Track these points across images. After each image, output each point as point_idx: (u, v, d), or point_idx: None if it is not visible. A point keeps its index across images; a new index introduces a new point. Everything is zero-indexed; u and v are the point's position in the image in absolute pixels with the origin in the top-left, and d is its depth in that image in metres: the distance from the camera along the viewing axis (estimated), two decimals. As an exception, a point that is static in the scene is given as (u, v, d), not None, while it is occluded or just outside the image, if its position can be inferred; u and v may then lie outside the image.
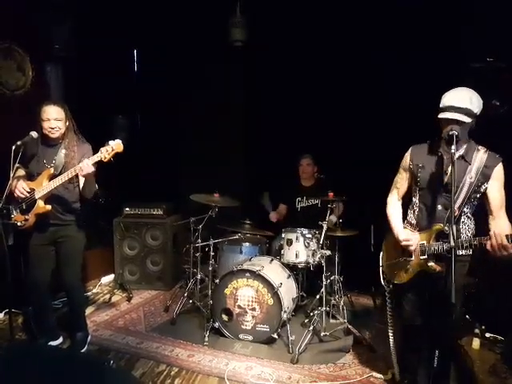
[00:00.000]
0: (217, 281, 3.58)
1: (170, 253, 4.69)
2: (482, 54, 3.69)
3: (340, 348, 3.34)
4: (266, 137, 5.09)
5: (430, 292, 2.38)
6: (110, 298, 4.33)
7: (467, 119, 2.14)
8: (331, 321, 3.78)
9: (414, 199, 2.46)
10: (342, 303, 3.81)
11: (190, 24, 5.08)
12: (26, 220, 2.92)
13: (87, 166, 2.73)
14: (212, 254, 3.81)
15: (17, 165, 2.79)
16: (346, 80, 4.50)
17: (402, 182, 2.51)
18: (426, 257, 2.27)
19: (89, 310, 3.96)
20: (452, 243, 1.93)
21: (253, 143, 5.34)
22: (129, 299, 4.33)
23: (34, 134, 2.89)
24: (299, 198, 4.50)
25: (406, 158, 2.47)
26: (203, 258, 4.01)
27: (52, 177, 2.89)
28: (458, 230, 2.26)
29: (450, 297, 1.83)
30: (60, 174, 2.88)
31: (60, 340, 3.29)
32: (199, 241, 3.87)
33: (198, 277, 3.97)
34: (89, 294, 4.38)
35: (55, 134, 2.91)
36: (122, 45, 5.27)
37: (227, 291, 3.48)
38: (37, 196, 2.87)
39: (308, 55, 4.69)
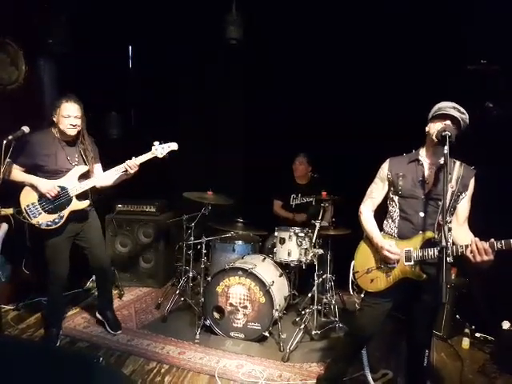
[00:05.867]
0: (209, 278, 3.57)
1: (163, 250, 4.67)
2: (477, 56, 3.72)
3: (331, 346, 3.35)
4: (264, 136, 5.09)
5: (409, 298, 2.37)
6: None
7: (462, 123, 2.17)
8: (323, 319, 3.80)
9: (392, 209, 2.42)
10: (333, 302, 3.82)
11: (186, 20, 5.04)
12: (60, 217, 2.97)
13: (134, 165, 3.01)
14: (204, 251, 3.79)
15: (8, 160, 2.79)
16: (344, 79, 4.50)
17: (377, 192, 2.49)
18: (412, 263, 2.24)
19: (80, 307, 3.94)
20: (444, 243, 1.95)
21: (251, 141, 5.34)
22: (120, 296, 4.30)
23: (25, 128, 2.91)
24: (294, 195, 4.54)
25: (384, 169, 2.46)
26: (195, 255, 4.01)
27: (84, 174, 3.05)
28: (450, 229, 2.27)
29: (439, 297, 1.84)
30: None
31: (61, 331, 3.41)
32: (192, 238, 3.87)
33: (190, 274, 3.96)
34: (80, 290, 4.33)
35: (74, 131, 2.97)
36: (118, 41, 5.23)
37: (219, 289, 3.47)
38: (72, 194, 2.98)
39: (306, 54, 4.69)
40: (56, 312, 3.35)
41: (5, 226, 3.11)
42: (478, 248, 1.99)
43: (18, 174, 2.96)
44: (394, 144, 2.54)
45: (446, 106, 2.21)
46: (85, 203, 3.04)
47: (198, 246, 3.86)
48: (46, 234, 3.03)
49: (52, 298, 3.28)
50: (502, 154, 3.40)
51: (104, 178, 3.10)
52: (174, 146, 3.11)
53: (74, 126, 2.94)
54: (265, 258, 3.79)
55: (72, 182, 2.99)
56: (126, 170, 3.01)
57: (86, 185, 3.00)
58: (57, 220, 2.96)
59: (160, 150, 3.04)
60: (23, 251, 3.83)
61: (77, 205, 3.01)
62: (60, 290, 3.24)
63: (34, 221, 2.93)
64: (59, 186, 2.95)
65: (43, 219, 2.94)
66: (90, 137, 3.21)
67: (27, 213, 2.93)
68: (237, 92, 5.48)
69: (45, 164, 2.96)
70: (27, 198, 2.95)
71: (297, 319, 3.77)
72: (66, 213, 2.98)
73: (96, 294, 4.26)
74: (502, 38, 3.40)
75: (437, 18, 3.87)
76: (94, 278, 4.63)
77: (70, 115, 2.91)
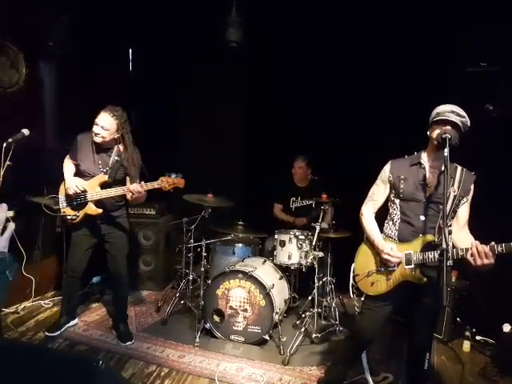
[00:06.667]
0: (209, 281, 3.56)
1: (162, 253, 4.66)
2: (477, 57, 3.71)
3: (331, 349, 3.34)
4: (264, 136, 5.07)
5: (409, 301, 2.37)
6: (100, 298, 4.29)
7: (462, 127, 2.16)
8: (323, 322, 3.80)
9: (393, 211, 2.41)
10: (333, 305, 3.82)
11: (186, 21, 5.03)
12: (76, 216, 3.12)
13: (137, 191, 2.92)
14: (204, 254, 3.78)
15: (8, 162, 2.81)
16: (344, 79, 4.50)
17: (379, 194, 2.48)
18: (412, 266, 2.23)
19: (79, 310, 3.92)
20: (444, 245, 1.94)
21: (251, 142, 5.32)
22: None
23: (25, 131, 2.95)
24: (293, 198, 4.52)
25: (386, 171, 2.45)
26: (195, 258, 3.99)
27: (104, 184, 3.08)
28: (451, 232, 2.26)
29: (440, 300, 1.83)
30: (113, 180, 3.11)
31: (76, 320, 3.61)
32: (192, 241, 3.85)
33: (190, 277, 3.95)
34: (79, 293, 4.32)
35: (96, 139, 3.01)
36: (118, 42, 5.23)
37: (219, 292, 3.46)
38: (89, 198, 3.06)
39: (306, 54, 4.68)
40: (66, 301, 3.48)
41: (12, 225, 3.10)
42: (478, 251, 1.99)
43: (65, 165, 3.21)
44: (395, 145, 2.54)
45: (445, 111, 2.18)
46: (97, 211, 3.07)
47: (198, 249, 3.84)
48: (71, 228, 3.25)
49: (63, 286, 3.48)
50: (502, 156, 3.40)
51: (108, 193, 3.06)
52: (180, 184, 3.00)
53: (96, 134, 2.97)
54: (265, 261, 3.78)
55: (93, 187, 3.06)
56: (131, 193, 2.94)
57: (100, 194, 3.03)
58: (74, 217, 3.12)
59: (166, 183, 2.92)
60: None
61: (90, 209, 3.08)
62: (70, 283, 3.38)
63: (62, 210, 3.16)
64: (83, 187, 3.06)
65: (67, 212, 3.15)
66: (136, 152, 3.19)
67: (60, 201, 3.16)
68: (237, 92, 5.47)
69: (79, 163, 3.14)
70: (62, 188, 3.19)
71: (297, 322, 3.76)
72: (81, 213, 3.11)
73: (94, 298, 4.30)
74: (503, 38, 3.39)
75: (437, 17, 3.86)
76: (93, 280, 4.65)
77: (97, 123, 2.97)
